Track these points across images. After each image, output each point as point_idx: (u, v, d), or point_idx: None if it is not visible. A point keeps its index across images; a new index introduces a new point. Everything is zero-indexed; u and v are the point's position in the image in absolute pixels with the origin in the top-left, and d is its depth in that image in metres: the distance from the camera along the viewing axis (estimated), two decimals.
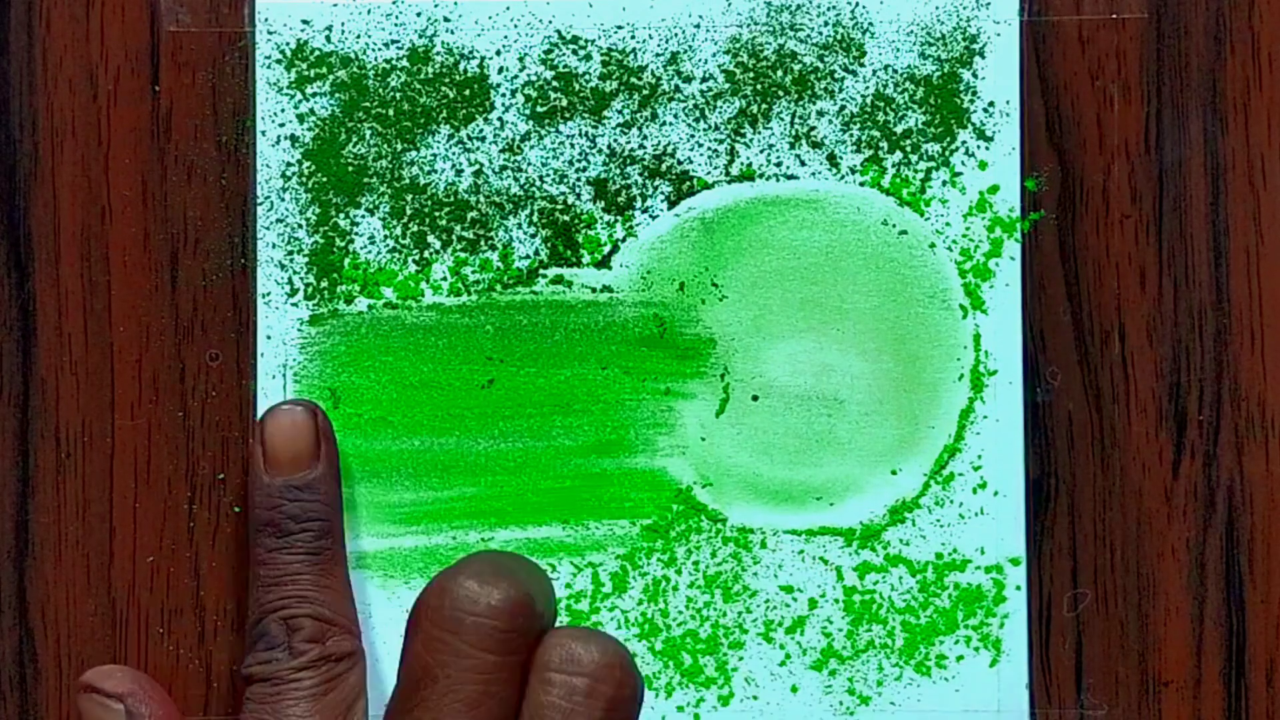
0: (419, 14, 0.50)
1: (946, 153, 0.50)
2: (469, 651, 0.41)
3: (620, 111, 0.50)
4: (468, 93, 0.50)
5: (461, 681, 0.41)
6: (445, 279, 0.50)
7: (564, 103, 0.50)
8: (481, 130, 0.50)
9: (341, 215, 0.50)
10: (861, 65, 0.50)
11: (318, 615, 0.46)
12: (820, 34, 0.50)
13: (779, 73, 0.50)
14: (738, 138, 0.50)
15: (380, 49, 0.50)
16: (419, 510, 0.50)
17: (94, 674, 0.46)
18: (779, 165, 0.50)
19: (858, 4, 0.50)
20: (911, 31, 0.50)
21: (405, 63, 0.50)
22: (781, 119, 0.50)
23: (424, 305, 0.50)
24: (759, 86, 0.50)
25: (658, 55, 0.50)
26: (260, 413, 0.49)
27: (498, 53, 0.50)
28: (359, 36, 0.50)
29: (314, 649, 0.46)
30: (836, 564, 0.50)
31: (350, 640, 0.47)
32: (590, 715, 0.41)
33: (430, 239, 0.50)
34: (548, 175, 0.50)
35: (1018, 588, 0.50)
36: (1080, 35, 0.50)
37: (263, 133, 0.50)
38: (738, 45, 0.50)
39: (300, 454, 0.47)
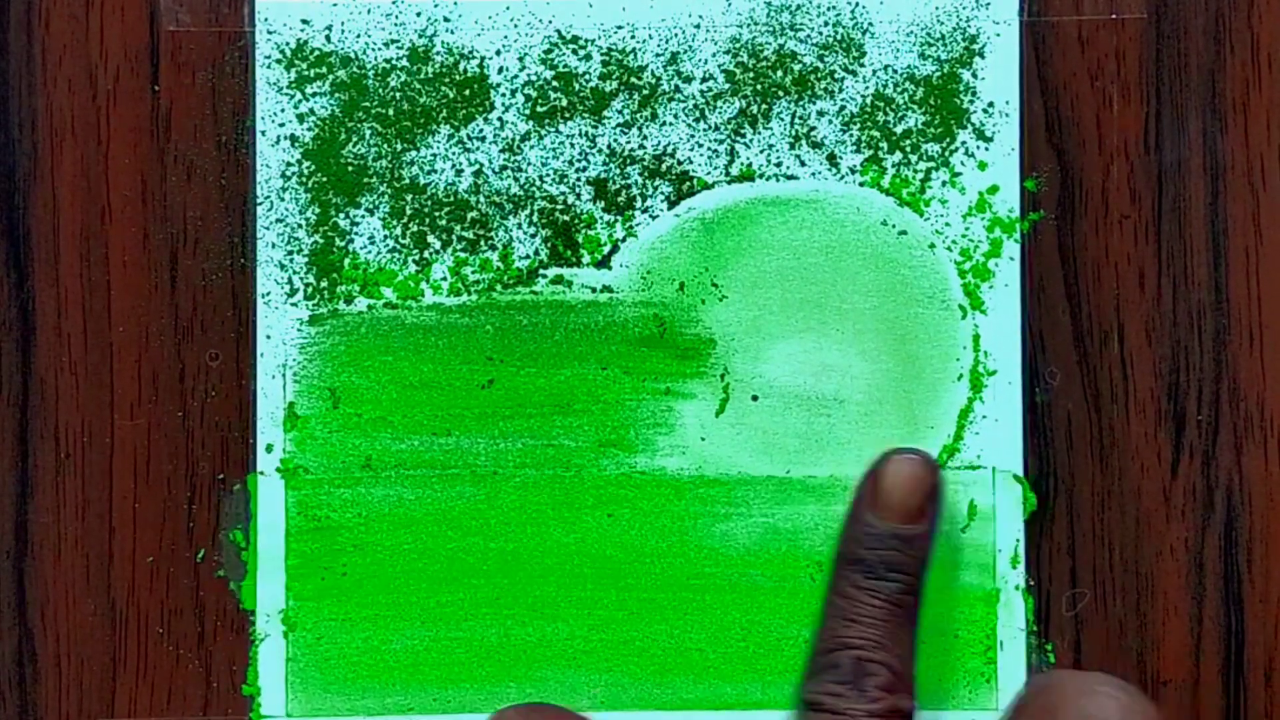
0: (419, 14, 0.50)
1: (946, 153, 0.50)
2: None
3: (620, 111, 0.50)
4: (468, 93, 0.50)
5: None
6: (445, 279, 0.50)
7: (564, 103, 0.50)
8: (481, 130, 0.50)
9: (341, 215, 0.50)
10: (861, 65, 0.50)
11: (891, 666, 0.45)
12: (820, 34, 0.50)
13: (779, 73, 0.50)
14: (738, 138, 0.50)
15: (380, 49, 0.50)
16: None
17: None
18: (779, 165, 0.50)
19: (858, 4, 0.50)
20: (911, 32, 0.50)
21: (405, 63, 0.50)
22: (781, 119, 0.50)
23: (424, 305, 0.50)
24: (759, 86, 0.50)
25: (658, 55, 0.50)
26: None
27: (498, 53, 0.50)
28: (359, 36, 0.50)
29: (887, 699, 0.44)
30: None
31: (912, 703, 0.45)
32: None
33: (430, 239, 0.50)
34: (548, 175, 0.50)
35: (1017, 588, 0.50)
36: (1080, 35, 0.50)
37: (263, 133, 0.50)
38: (738, 45, 0.50)
39: (913, 506, 0.46)
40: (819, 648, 0.46)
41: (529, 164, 0.50)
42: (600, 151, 0.50)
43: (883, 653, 0.45)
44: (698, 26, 0.50)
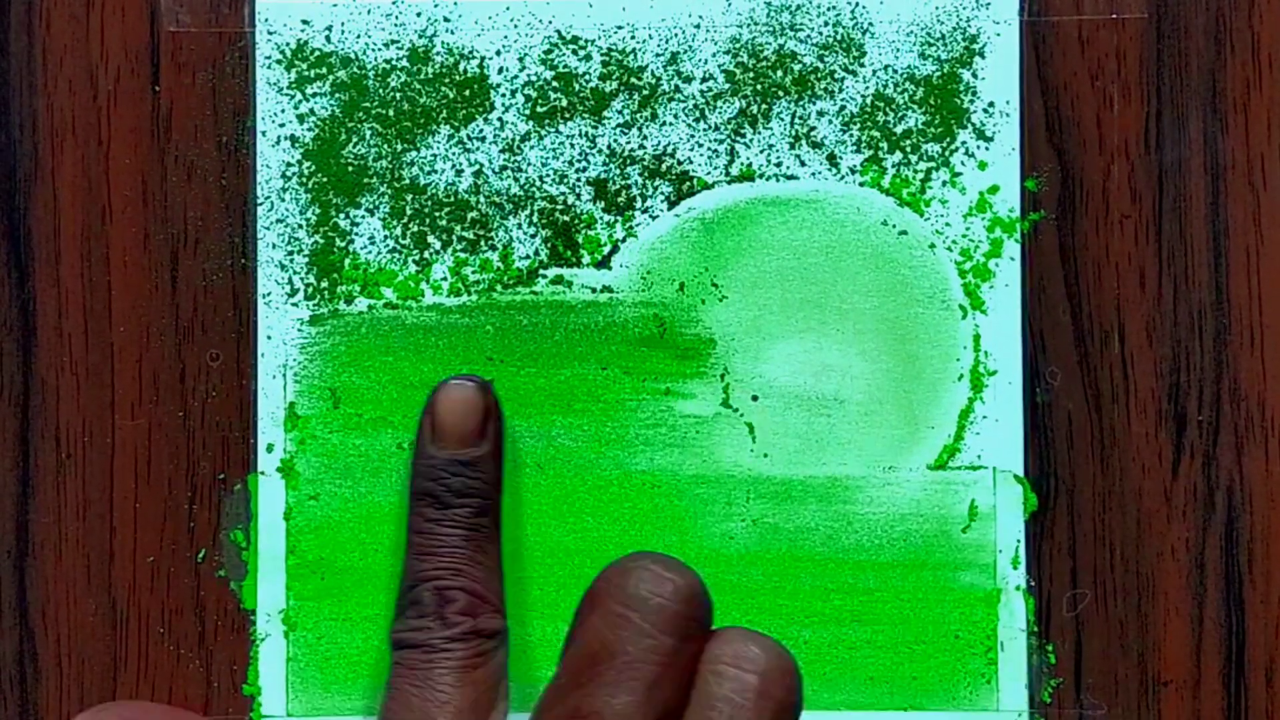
0: (419, 14, 0.50)
1: (946, 153, 0.50)
2: (651, 632, 0.42)
3: (620, 111, 0.50)
4: (468, 93, 0.50)
5: (642, 660, 0.41)
6: (445, 279, 0.50)
7: (564, 103, 0.50)
8: (481, 130, 0.50)
9: (341, 215, 0.50)
10: (861, 65, 0.50)
11: (470, 590, 0.46)
12: (820, 34, 0.50)
13: (779, 73, 0.50)
14: (738, 138, 0.50)
15: (380, 49, 0.50)
16: None
17: None
18: (779, 165, 0.50)
19: (858, 4, 0.50)
20: (911, 32, 0.50)
21: (405, 63, 0.50)
22: (781, 119, 0.50)
23: (424, 305, 0.50)
24: (759, 86, 0.50)
25: (658, 55, 0.50)
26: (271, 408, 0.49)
27: (498, 53, 0.50)
28: (359, 36, 0.50)
29: (466, 622, 0.46)
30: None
31: (499, 620, 0.47)
32: (759, 714, 0.42)
33: (430, 239, 0.50)
34: (548, 175, 0.50)
35: (1018, 588, 0.50)
36: (1080, 35, 0.50)
37: (263, 133, 0.50)
38: (738, 45, 0.50)
39: (468, 430, 0.47)
40: (402, 588, 0.47)
41: (529, 164, 0.50)
42: (600, 152, 0.50)
43: (461, 579, 0.46)
44: (698, 26, 0.50)
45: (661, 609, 0.42)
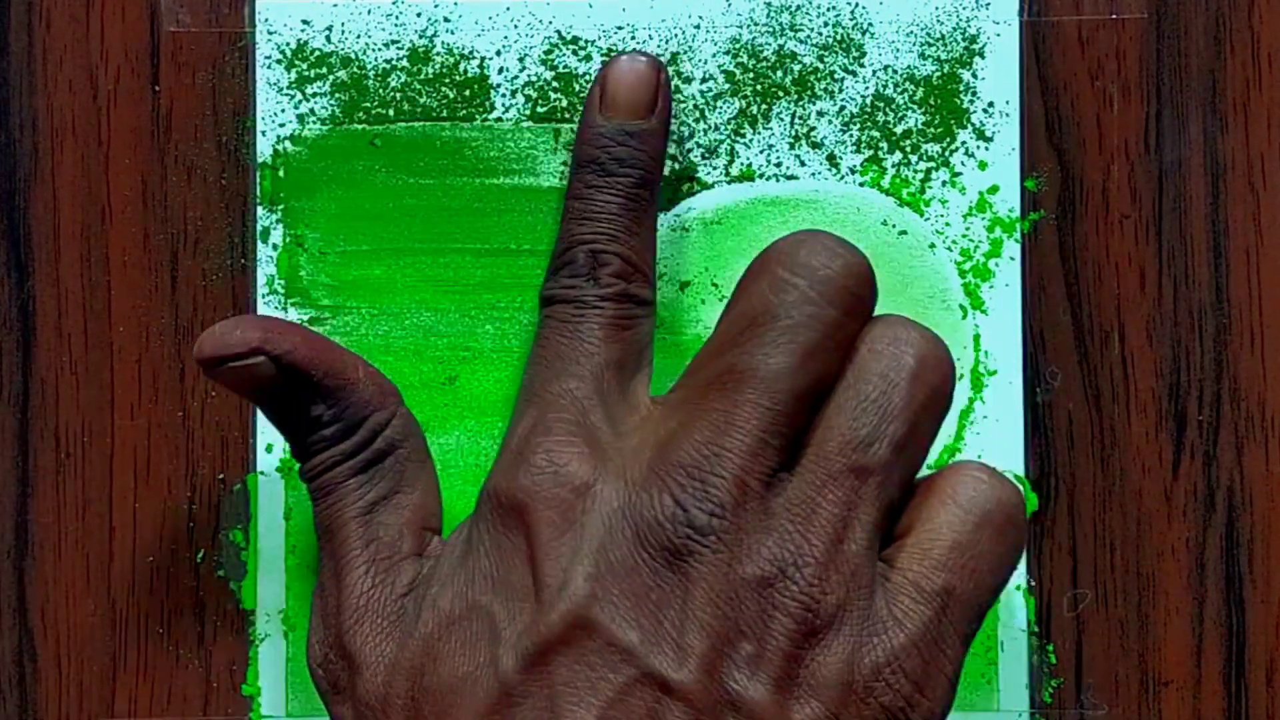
0: (419, 14, 0.50)
1: (946, 153, 0.50)
2: (816, 300, 0.42)
3: None
4: (468, 93, 0.50)
5: (803, 326, 0.42)
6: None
7: (564, 103, 0.50)
8: None
9: None
10: (861, 65, 0.50)
11: (624, 256, 0.46)
12: (820, 34, 0.50)
13: (779, 73, 0.50)
14: (738, 138, 0.50)
15: (380, 49, 0.50)
16: None
17: (211, 344, 0.44)
18: (779, 165, 0.50)
19: (858, 4, 0.50)
20: (911, 32, 0.50)
21: (405, 63, 0.50)
22: (781, 119, 0.50)
23: (424, 305, 0.50)
24: (759, 87, 0.50)
25: (658, 55, 0.50)
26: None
27: (498, 53, 0.50)
28: (359, 36, 0.50)
29: (619, 284, 0.46)
30: None
31: (650, 291, 0.47)
32: (911, 395, 0.42)
33: None
34: None
35: (1018, 588, 0.50)
36: (1080, 35, 0.50)
37: (263, 133, 0.50)
38: (738, 45, 0.50)
39: (638, 102, 0.47)
40: (557, 250, 0.47)
41: None
42: None
43: (616, 244, 0.46)
44: (698, 27, 0.50)
45: (829, 280, 0.42)
